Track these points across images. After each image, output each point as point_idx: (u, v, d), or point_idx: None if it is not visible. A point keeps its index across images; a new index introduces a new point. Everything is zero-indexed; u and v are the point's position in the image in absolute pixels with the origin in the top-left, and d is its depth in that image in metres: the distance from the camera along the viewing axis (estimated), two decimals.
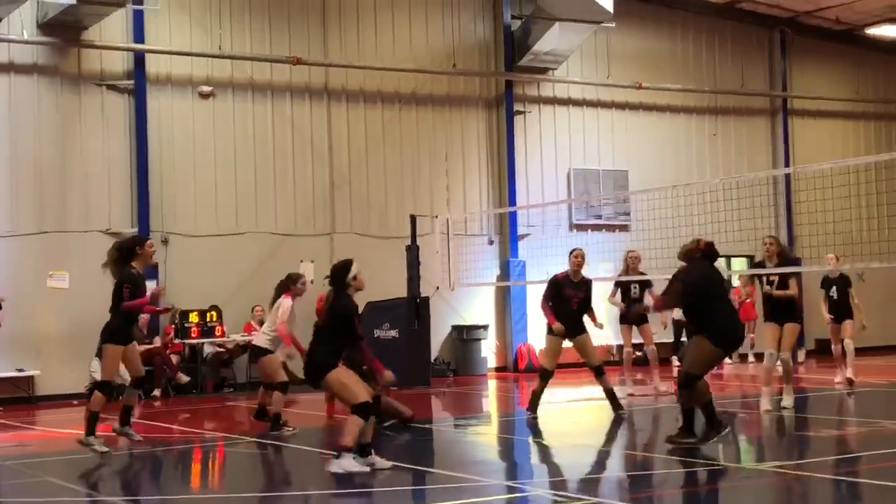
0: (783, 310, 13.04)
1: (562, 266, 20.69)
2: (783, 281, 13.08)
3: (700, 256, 10.30)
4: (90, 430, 11.26)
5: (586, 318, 13.72)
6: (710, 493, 8.44)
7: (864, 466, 9.27)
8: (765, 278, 13.31)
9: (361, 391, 9.21)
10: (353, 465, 9.05)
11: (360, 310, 19.23)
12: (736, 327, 10.34)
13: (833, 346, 16.21)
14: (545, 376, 13.35)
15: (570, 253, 13.89)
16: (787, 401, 13.06)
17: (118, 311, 11.54)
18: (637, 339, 16.45)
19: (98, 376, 17.38)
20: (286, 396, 12.84)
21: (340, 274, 9.44)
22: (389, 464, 9.32)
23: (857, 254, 17.75)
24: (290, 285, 12.98)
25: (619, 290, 16.28)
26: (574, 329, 13.46)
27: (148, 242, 11.95)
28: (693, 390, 9.91)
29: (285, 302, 12.81)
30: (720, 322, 10.02)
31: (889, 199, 25.79)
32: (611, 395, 13.35)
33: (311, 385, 9.44)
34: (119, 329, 11.50)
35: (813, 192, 22.61)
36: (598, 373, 13.34)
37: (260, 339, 13.01)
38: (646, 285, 16.02)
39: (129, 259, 11.59)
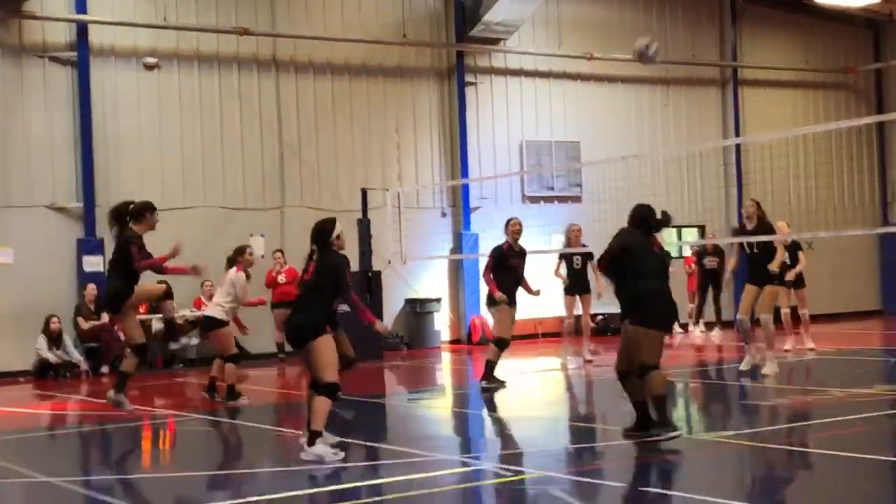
0: (762, 272, 13.29)
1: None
2: (767, 246, 13.32)
3: (631, 223, 9.45)
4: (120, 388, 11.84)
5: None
6: (659, 463, 8.44)
7: (812, 435, 9.32)
8: (746, 243, 13.53)
9: (335, 371, 8.94)
10: (328, 452, 8.72)
11: None
12: (666, 305, 9.10)
13: (783, 312, 16.38)
14: (503, 345, 13.35)
15: (508, 223, 14.00)
16: (770, 368, 13.14)
17: (120, 274, 11.48)
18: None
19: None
20: (239, 369, 12.92)
21: (324, 232, 9.25)
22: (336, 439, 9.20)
23: (805, 223, 17.87)
24: (237, 258, 12.97)
25: (562, 262, 16.56)
26: (512, 299, 13.57)
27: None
28: (647, 381, 8.86)
29: (239, 277, 12.78)
30: (644, 299, 8.98)
31: (837, 169, 26.08)
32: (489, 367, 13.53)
33: (295, 346, 9.03)
34: (122, 293, 11.61)
35: (763, 162, 22.82)
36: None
37: (213, 310, 12.89)
38: (588, 257, 16.36)
39: (135, 220, 11.69)
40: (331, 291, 9.04)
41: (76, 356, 17.58)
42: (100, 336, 17.86)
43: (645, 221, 9.40)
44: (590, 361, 16.19)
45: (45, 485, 8.42)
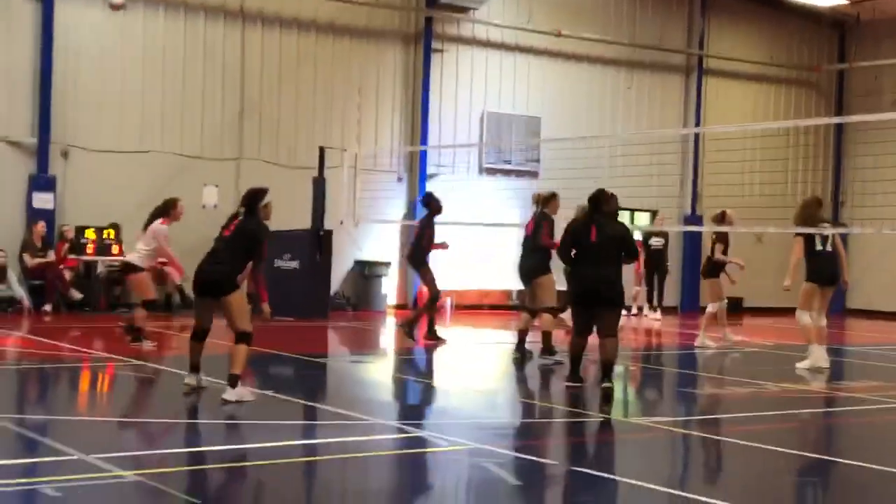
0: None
1: (471, 209, 20.87)
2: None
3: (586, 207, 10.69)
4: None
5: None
6: (595, 445, 8.57)
7: (741, 427, 9.50)
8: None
9: (249, 320, 9.49)
10: (247, 394, 9.31)
11: None
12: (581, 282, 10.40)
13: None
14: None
15: (436, 199, 15.39)
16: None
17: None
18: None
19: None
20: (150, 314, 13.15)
21: (255, 198, 9.66)
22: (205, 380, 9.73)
23: (756, 217, 18.09)
24: (169, 210, 13.05)
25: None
26: None
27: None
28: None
29: (163, 228, 12.85)
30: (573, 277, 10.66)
31: (792, 166, 26.37)
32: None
33: (211, 296, 9.48)
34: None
35: (720, 154, 23.02)
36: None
37: (131, 256, 13.15)
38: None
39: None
40: (244, 254, 9.50)
41: (19, 292, 17.43)
42: (45, 274, 17.71)
43: (594, 206, 10.49)
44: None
45: None
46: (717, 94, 25.77)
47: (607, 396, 9.94)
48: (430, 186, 21.98)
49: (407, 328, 15.02)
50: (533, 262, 13.13)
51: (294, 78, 20.71)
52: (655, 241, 21.51)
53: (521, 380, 12.59)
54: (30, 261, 17.68)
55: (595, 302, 10.27)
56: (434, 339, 15.14)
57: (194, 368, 9.76)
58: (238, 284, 9.45)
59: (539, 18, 23.22)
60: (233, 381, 9.24)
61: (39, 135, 18.24)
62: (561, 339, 13.91)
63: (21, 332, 15.16)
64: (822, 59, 27.14)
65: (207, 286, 9.51)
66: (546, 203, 13.34)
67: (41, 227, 17.80)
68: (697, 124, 24.91)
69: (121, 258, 16.23)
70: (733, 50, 25.93)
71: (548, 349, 12.97)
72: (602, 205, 10.40)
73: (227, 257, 9.51)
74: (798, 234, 13.03)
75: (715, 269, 15.80)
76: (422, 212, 21.61)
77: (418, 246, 15.25)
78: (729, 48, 25.88)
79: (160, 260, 13.47)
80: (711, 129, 21.75)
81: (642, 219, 24.42)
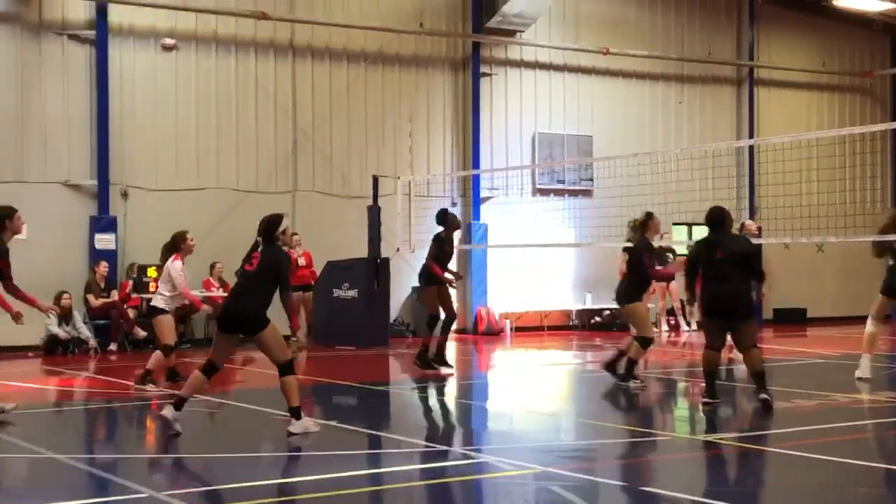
0: None
1: (526, 230, 20.87)
2: None
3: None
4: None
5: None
6: (662, 463, 8.50)
7: (811, 440, 9.37)
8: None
9: (287, 349, 9.46)
10: (312, 425, 9.32)
11: (320, 270, 19.29)
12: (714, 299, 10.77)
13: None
14: (649, 345, 12.89)
15: (452, 217, 14.82)
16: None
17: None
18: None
19: (54, 329, 17.32)
20: (167, 359, 12.62)
21: (270, 227, 9.42)
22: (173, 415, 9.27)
23: (816, 227, 17.87)
24: (179, 245, 12.69)
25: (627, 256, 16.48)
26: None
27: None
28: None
29: (176, 265, 12.51)
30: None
31: (850, 174, 26.02)
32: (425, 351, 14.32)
33: (246, 334, 9.31)
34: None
35: (776, 164, 22.79)
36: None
37: (157, 299, 12.74)
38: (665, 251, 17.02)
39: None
40: (271, 285, 9.29)
41: (85, 333, 17.71)
42: (109, 313, 17.98)
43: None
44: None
45: (49, 460, 8.52)
46: (770, 105, 25.58)
47: (767, 407, 10.33)
48: (484, 210, 22.06)
49: (420, 361, 14.24)
50: (621, 288, 12.99)
51: (345, 108, 20.90)
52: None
53: (585, 401, 12.52)
54: (94, 301, 17.96)
55: (730, 317, 10.65)
56: (434, 367, 14.23)
57: (179, 405, 9.26)
58: (268, 319, 9.24)
59: (586, 37, 23.24)
60: (296, 414, 9.22)
61: (99, 177, 18.58)
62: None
63: (88, 372, 15.39)
64: (875, 65, 26.83)
65: (236, 324, 9.28)
66: (644, 227, 12.74)
67: (103, 267, 18.09)
68: (751, 136, 24.71)
69: (148, 299, 16.22)
70: (784, 59, 25.73)
71: (630, 375, 12.56)
72: (724, 223, 10.86)
73: (251, 293, 9.26)
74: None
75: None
76: (478, 233, 21.75)
77: (425, 265, 14.50)
78: (779, 57, 25.69)
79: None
80: (765, 140, 21.53)
81: (700, 233, 24.19)
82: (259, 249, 9.38)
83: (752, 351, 10.67)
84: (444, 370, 14.20)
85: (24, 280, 17.68)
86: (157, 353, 12.61)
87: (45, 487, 7.60)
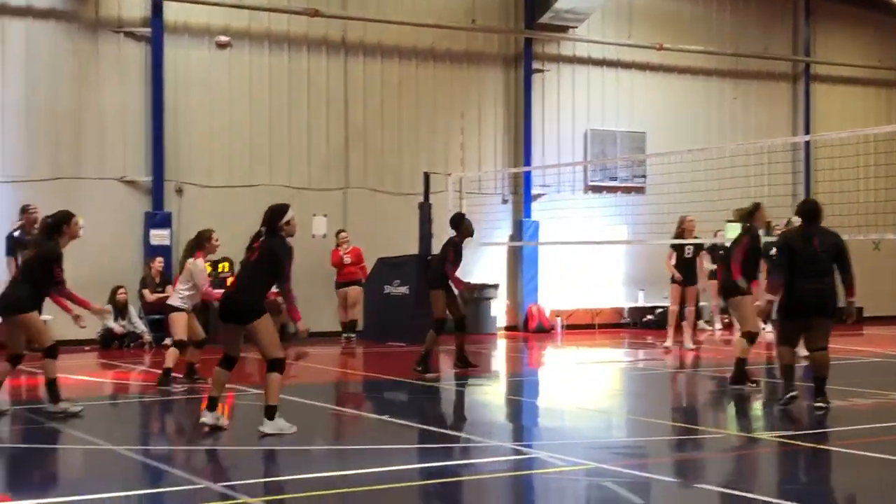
0: None
1: (577, 227, 20.77)
2: None
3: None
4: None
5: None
6: (714, 460, 8.43)
7: (868, 439, 9.24)
8: None
9: (280, 347, 9.15)
10: (285, 425, 9.00)
11: (370, 266, 19.30)
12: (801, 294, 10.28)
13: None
14: (755, 340, 12.35)
15: (467, 222, 14.36)
16: None
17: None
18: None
19: (110, 324, 17.54)
20: (182, 355, 12.57)
21: (274, 216, 9.25)
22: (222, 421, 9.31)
23: (873, 224, 17.62)
24: (203, 244, 12.66)
25: (674, 253, 16.82)
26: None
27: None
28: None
29: (199, 263, 12.49)
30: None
31: None
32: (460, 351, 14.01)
33: (239, 323, 9.03)
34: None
35: (832, 161, 22.50)
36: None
37: (174, 299, 12.74)
38: (698, 248, 16.92)
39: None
40: (268, 278, 9.11)
41: (141, 327, 17.91)
42: (163, 308, 18.14)
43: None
44: (694, 350, 16.72)
45: (107, 452, 8.63)
46: (826, 101, 25.26)
47: (823, 413, 9.98)
48: (535, 207, 22.00)
49: (420, 366, 13.62)
50: (723, 279, 12.74)
51: (397, 105, 20.94)
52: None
53: (637, 398, 12.45)
54: (149, 296, 18.15)
55: (813, 313, 10.22)
56: (465, 367, 14.06)
57: (212, 404, 9.25)
58: (263, 311, 9.03)
59: (639, 33, 23.08)
60: (269, 413, 8.97)
61: (154, 173, 18.78)
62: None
63: (143, 365, 15.57)
64: None
65: (230, 314, 9.11)
66: (752, 217, 12.33)
67: (158, 262, 18.26)
68: (807, 132, 24.41)
69: (167, 299, 16.30)
70: (840, 55, 25.39)
71: (738, 378, 11.76)
72: (819, 216, 10.45)
73: (249, 283, 9.12)
74: None
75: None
76: (529, 230, 21.69)
77: (438, 268, 14.04)
78: (836, 53, 25.35)
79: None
80: (822, 137, 21.27)
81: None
82: (261, 239, 9.21)
83: (822, 353, 10.29)
84: (429, 375, 13.51)
85: (82, 275, 18.03)
86: (172, 350, 12.55)
87: (104, 478, 7.70)
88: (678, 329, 17.03)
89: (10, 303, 10.32)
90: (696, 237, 16.69)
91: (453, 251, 13.88)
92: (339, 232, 19.34)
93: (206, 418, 9.24)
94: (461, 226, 14.14)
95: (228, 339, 9.30)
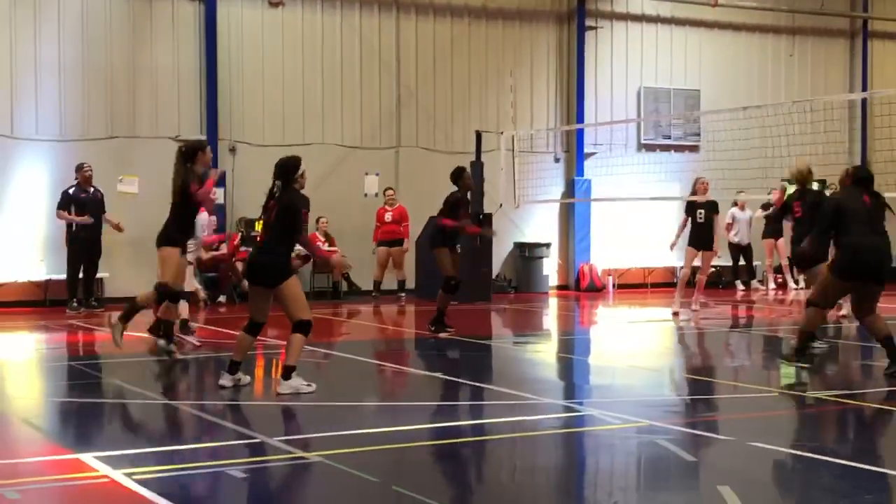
0: None
1: (630, 186, 20.62)
2: None
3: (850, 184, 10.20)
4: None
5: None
6: (767, 419, 8.41)
7: None
8: None
9: (307, 307, 9.10)
10: (302, 384, 8.99)
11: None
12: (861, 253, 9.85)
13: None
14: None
15: (467, 175, 13.93)
16: None
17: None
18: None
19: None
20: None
21: (287, 168, 9.22)
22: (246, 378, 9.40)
23: None
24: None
25: (688, 216, 16.33)
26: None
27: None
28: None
29: (200, 216, 12.54)
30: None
31: None
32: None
33: (267, 286, 8.99)
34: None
35: (891, 118, 22.10)
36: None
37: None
38: (713, 210, 16.21)
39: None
40: (291, 233, 9.04)
41: (195, 284, 18.07)
42: (218, 267, 18.37)
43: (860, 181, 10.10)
44: (696, 311, 16.40)
45: (164, 405, 8.80)
46: (884, 58, 24.80)
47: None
48: (587, 165, 21.89)
49: (434, 325, 13.32)
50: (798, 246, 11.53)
51: (448, 64, 20.89)
52: None
53: (685, 357, 12.42)
54: (203, 254, 18.32)
55: (872, 276, 9.80)
56: (439, 330, 13.29)
57: (234, 367, 9.27)
58: (290, 272, 9.02)
59: None
60: (286, 373, 8.98)
61: (208, 132, 18.91)
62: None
63: (198, 323, 15.76)
64: None
65: (258, 276, 9.08)
66: (809, 175, 12.11)
67: (213, 221, 18.41)
68: (864, 89, 24.00)
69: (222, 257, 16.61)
70: None
71: (801, 350, 10.40)
72: (868, 175, 10.25)
73: (275, 245, 9.04)
74: None
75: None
76: (581, 188, 21.61)
77: (441, 226, 13.46)
78: (894, 9, 24.82)
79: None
80: (879, 93, 20.88)
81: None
82: (276, 196, 9.11)
83: (878, 318, 9.93)
84: (443, 334, 13.23)
85: (137, 233, 18.31)
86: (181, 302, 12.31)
87: (163, 431, 7.85)
88: (688, 292, 16.64)
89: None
90: (709, 198, 16.06)
91: (449, 206, 13.38)
92: (385, 190, 19.37)
93: (225, 380, 9.22)
94: (461, 179, 13.63)
95: (256, 304, 9.21)
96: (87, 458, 6.65)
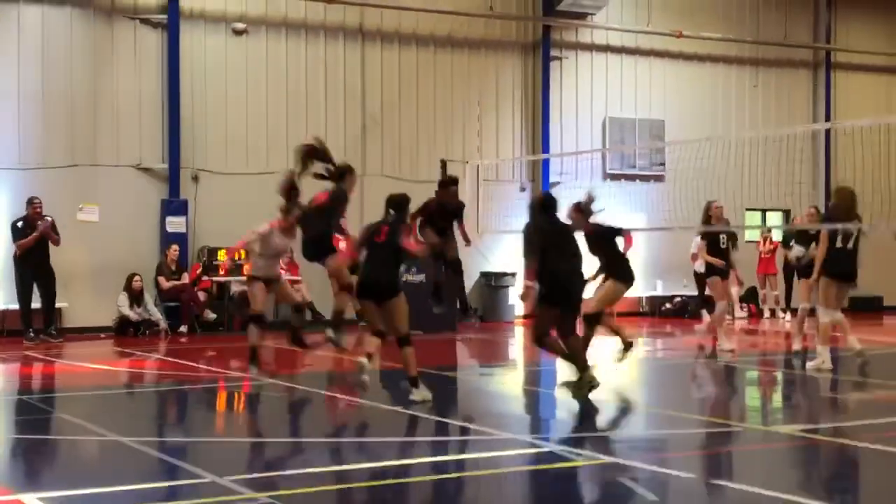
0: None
1: (596, 216, 20.52)
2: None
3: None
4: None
5: None
6: (731, 456, 8.30)
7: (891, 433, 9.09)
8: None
9: (407, 323, 10.18)
10: (427, 393, 10.04)
11: None
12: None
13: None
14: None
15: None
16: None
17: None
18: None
19: (125, 311, 17.50)
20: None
21: (403, 206, 10.68)
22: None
23: (895, 213, 17.38)
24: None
25: (706, 243, 15.31)
26: None
27: None
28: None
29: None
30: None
31: None
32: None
33: (379, 301, 10.08)
34: None
35: (854, 149, 22.26)
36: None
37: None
38: (732, 238, 15.40)
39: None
40: (397, 256, 10.35)
41: (156, 314, 17.87)
42: (179, 296, 18.13)
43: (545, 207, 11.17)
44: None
45: (115, 444, 8.56)
46: (847, 89, 24.99)
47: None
48: (553, 194, 21.79)
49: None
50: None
51: (414, 93, 20.82)
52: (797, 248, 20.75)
53: (652, 389, 12.31)
54: (164, 284, 18.11)
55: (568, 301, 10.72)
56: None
57: (414, 382, 10.16)
58: (399, 289, 10.22)
59: (658, 20, 22.87)
60: (414, 383, 10.05)
61: (170, 160, 18.72)
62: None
63: (159, 353, 15.54)
64: None
65: (372, 293, 10.18)
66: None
67: (174, 250, 18.23)
68: (827, 119, 24.16)
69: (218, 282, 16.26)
70: (861, 42, 25.10)
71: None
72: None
73: (381, 265, 10.24)
74: None
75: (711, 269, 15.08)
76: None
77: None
78: (857, 41, 25.07)
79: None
80: (842, 124, 21.02)
81: (774, 219, 23.76)
82: (389, 223, 10.38)
83: (576, 337, 10.89)
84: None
85: (97, 261, 18.09)
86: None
87: (110, 470, 7.63)
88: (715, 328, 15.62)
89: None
90: (727, 224, 15.48)
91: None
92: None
93: (415, 396, 10.06)
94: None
95: (373, 314, 10.28)
96: (30, 499, 6.44)
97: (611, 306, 12.80)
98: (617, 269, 12.25)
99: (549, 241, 10.62)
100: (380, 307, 10.14)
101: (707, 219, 15.12)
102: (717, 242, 15.07)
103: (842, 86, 24.98)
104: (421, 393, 9.97)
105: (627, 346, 12.42)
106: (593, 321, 12.08)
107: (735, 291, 20.99)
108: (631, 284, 12.42)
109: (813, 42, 24.79)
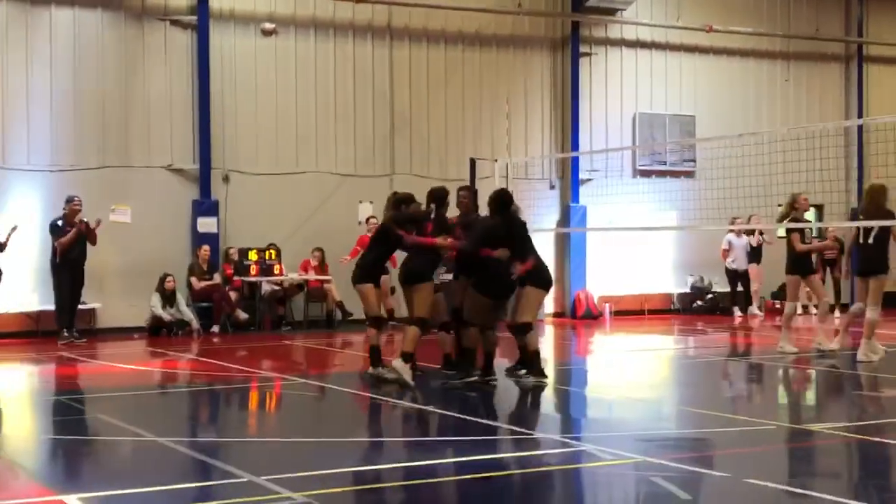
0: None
1: (626, 213, 20.52)
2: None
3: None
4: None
5: None
6: (765, 454, 8.25)
7: None
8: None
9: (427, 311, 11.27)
10: (407, 376, 10.73)
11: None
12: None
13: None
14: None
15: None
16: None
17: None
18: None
19: (158, 311, 17.64)
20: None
21: (440, 198, 11.86)
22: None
23: None
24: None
25: (799, 235, 14.25)
26: None
27: None
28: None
29: None
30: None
31: None
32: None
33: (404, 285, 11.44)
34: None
35: (886, 145, 22.05)
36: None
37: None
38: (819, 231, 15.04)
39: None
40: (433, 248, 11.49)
41: (188, 315, 17.98)
42: (211, 296, 18.24)
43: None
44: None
45: (152, 443, 8.63)
46: (880, 82, 24.78)
47: None
48: (583, 192, 21.79)
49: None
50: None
51: (442, 91, 20.83)
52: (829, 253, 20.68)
53: (685, 388, 12.27)
54: (196, 284, 18.22)
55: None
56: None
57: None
58: (427, 277, 11.38)
59: (688, 15, 22.75)
60: (405, 357, 10.89)
61: (201, 161, 18.82)
62: None
63: (191, 354, 15.63)
64: None
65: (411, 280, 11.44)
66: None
67: (206, 250, 18.33)
68: (860, 115, 23.97)
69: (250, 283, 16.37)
70: (894, 35, 24.86)
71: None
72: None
73: (413, 253, 11.76)
74: None
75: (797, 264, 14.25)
76: (577, 215, 21.49)
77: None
78: (889, 33, 24.84)
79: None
80: (875, 120, 20.83)
81: (806, 215, 23.54)
82: (431, 217, 11.57)
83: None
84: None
85: (130, 262, 18.22)
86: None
87: (149, 470, 7.69)
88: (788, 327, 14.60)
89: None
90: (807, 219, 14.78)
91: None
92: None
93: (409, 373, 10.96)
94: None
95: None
96: (72, 500, 6.50)
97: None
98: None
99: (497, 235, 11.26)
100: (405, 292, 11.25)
101: (789, 211, 14.34)
102: (804, 237, 14.26)
103: (874, 79, 24.77)
104: (400, 366, 10.77)
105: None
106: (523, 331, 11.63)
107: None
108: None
109: (845, 35, 24.59)
